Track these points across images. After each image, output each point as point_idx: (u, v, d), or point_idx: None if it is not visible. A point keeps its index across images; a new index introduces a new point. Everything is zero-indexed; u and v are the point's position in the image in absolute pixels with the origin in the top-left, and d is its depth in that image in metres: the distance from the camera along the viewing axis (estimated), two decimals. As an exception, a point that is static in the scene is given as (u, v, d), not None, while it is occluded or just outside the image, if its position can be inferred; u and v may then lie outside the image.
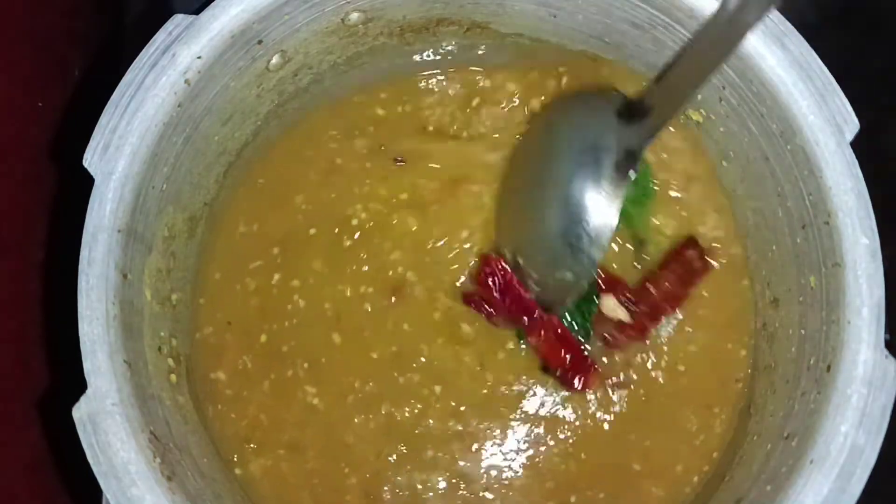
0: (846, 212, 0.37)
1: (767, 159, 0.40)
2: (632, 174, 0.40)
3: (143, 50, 0.38)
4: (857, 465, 0.35)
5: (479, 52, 0.46)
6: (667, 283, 0.43)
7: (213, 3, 0.38)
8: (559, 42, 0.44)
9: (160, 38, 0.38)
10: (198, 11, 0.38)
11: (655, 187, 0.45)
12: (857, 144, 0.37)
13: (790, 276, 0.41)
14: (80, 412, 0.35)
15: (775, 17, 0.38)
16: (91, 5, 0.51)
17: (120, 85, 0.37)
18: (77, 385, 0.35)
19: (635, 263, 0.44)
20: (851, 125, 0.37)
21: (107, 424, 0.35)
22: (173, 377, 0.40)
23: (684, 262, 0.43)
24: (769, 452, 0.39)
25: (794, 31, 0.38)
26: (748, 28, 0.33)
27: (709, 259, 0.44)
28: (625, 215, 0.43)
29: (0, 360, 0.40)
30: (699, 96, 0.42)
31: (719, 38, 0.34)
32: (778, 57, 0.38)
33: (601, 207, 0.40)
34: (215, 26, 0.38)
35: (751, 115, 0.40)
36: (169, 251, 0.41)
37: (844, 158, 0.37)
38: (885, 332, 0.36)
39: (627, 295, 0.43)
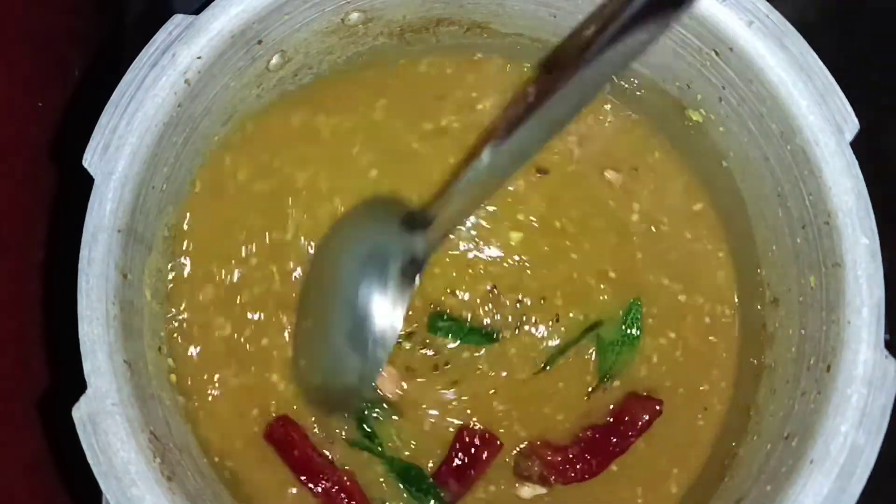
0: (846, 212, 0.37)
1: (767, 159, 0.40)
2: (417, 279, 0.41)
3: (143, 50, 0.38)
4: (857, 465, 0.35)
5: (479, 52, 0.46)
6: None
7: (213, 3, 0.38)
8: (559, 42, 0.44)
9: (160, 38, 0.38)
10: (198, 11, 0.38)
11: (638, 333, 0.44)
12: (857, 144, 0.37)
13: (790, 276, 0.41)
14: (80, 412, 0.35)
15: (775, 18, 0.38)
16: (91, 5, 0.51)
17: (120, 85, 0.37)
18: (77, 385, 0.35)
19: (588, 394, 0.44)
20: (851, 125, 0.37)
21: (107, 424, 0.35)
22: (173, 377, 0.40)
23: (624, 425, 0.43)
24: (769, 452, 0.39)
25: (794, 31, 0.38)
26: (510, 170, 0.37)
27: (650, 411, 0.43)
28: (602, 353, 0.44)
29: (0, 360, 0.40)
30: (699, 96, 0.42)
31: (489, 169, 0.36)
32: (778, 57, 0.38)
33: (387, 311, 0.41)
34: (215, 26, 0.38)
35: (751, 115, 0.40)
36: (169, 251, 0.41)
37: (844, 158, 0.37)
38: (885, 332, 0.36)
39: (548, 458, 0.42)
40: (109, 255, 0.36)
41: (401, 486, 0.43)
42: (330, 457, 0.42)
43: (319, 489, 0.42)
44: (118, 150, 0.37)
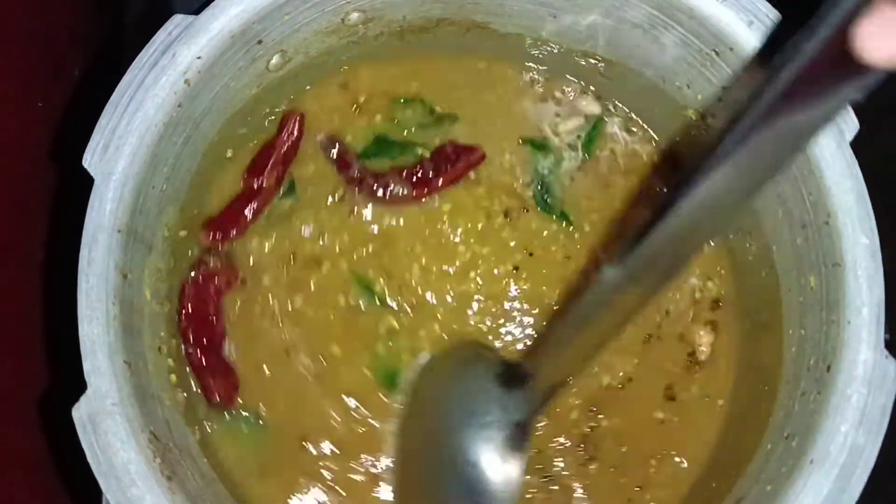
0: (846, 212, 0.37)
1: (767, 159, 0.40)
2: (526, 447, 0.37)
3: (143, 50, 0.38)
4: (857, 465, 0.35)
5: (479, 53, 0.46)
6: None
7: (213, 3, 0.38)
8: (559, 42, 0.44)
9: (160, 38, 0.38)
10: (198, 11, 0.38)
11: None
12: (857, 144, 0.37)
13: (790, 277, 0.41)
14: (80, 412, 0.35)
15: (775, 18, 0.38)
16: (91, 5, 0.51)
17: (120, 85, 0.37)
18: (77, 385, 0.35)
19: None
20: (851, 125, 0.37)
21: (107, 424, 0.35)
22: (173, 377, 0.40)
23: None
24: (769, 452, 0.39)
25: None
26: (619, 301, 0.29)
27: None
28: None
29: (0, 359, 0.40)
30: (699, 96, 0.42)
31: (595, 302, 0.31)
32: (778, 57, 0.38)
33: (500, 484, 0.37)
34: (215, 26, 0.38)
35: (751, 115, 0.40)
36: (169, 251, 0.41)
37: (844, 158, 0.37)
38: (885, 332, 0.36)
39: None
40: (109, 255, 0.36)
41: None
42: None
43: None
44: (118, 150, 0.37)
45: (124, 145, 0.37)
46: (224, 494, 0.40)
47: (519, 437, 0.37)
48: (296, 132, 0.45)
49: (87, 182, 0.37)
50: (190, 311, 0.42)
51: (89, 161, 0.37)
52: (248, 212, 0.44)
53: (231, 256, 0.44)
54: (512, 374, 0.38)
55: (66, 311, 0.36)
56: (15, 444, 0.40)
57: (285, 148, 0.44)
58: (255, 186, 0.44)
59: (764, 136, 0.23)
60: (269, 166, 0.44)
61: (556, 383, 0.36)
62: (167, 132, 0.38)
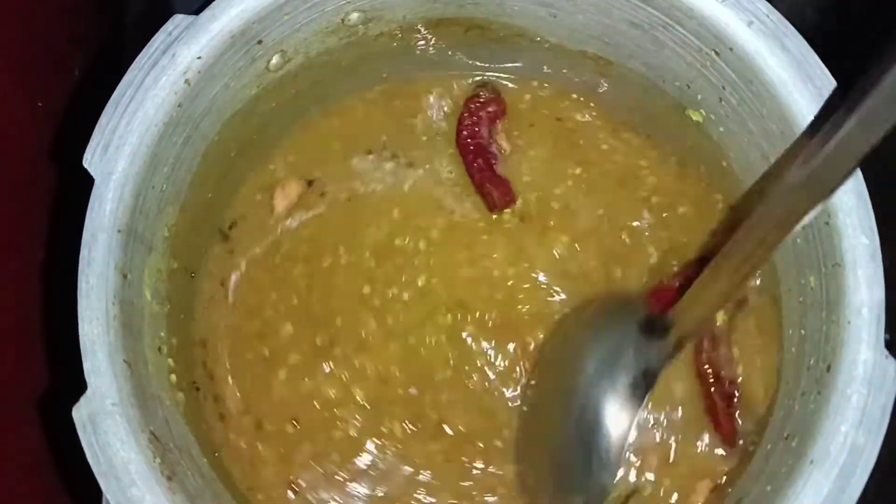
0: (846, 212, 0.37)
1: (767, 159, 0.40)
2: (648, 395, 0.38)
3: (143, 50, 0.38)
4: (857, 465, 0.35)
5: (480, 53, 0.46)
6: None
7: (212, 3, 0.38)
8: (559, 42, 0.44)
9: (160, 38, 0.38)
10: (198, 11, 0.38)
11: None
12: (856, 144, 0.37)
13: (790, 276, 0.41)
14: (80, 412, 0.35)
15: (775, 18, 0.38)
16: (91, 5, 0.51)
17: (120, 85, 0.37)
18: (77, 385, 0.35)
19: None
20: (851, 125, 0.37)
21: (107, 424, 0.35)
22: (173, 377, 0.40)
23: None
24: (769, 452, 0.39)
25: (794, 31, 0.38)
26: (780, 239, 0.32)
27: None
28: None
29: (0, 360, 0.40)
30: (699, 96, 0.42)
31: (749, 250, 0.32)
32: (778, 57, 0.38)
33: (613, 429, 0.38)
34: (215, 26, 0.38)
35: (751, 115, 0.40)
36: (169, 251, 0.41)
37: (844, 158, 0.37)
38: (885, 332, 0.36)
39: None
40: (109, 256, 0.36)
41: None
42: None
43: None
44: (118, 150, 0.37)
45: (124, 145, 0.37)
46: (224, 494, 0.40)
47: (643, 386, 0.38)
48: None
49: (87, 182, 0.37)
50: (467, 132, 0.46)
51: (89, 161, 0.37)
52: None
53: (499, 89, 0.47)
54: (654, 323, 0.39)
55: (66, 311, 0.36)
56: (15, 444, 0.40)
57: None
58: None
59: None
60: None
61: (692, 332, 0.38)
62: (167, 132, 0.38)
